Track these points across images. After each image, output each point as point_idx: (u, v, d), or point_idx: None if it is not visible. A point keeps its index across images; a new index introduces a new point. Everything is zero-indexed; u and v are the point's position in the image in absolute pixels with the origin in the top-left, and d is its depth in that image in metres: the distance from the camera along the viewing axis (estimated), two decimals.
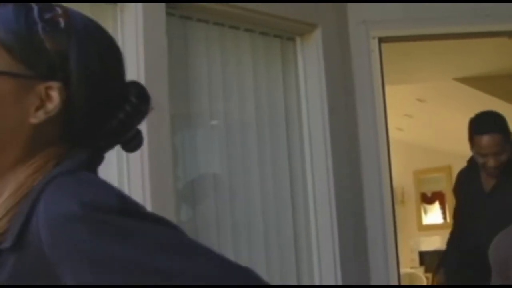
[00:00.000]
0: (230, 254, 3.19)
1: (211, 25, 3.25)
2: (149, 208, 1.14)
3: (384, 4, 3.83)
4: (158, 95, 2.78)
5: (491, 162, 3.28)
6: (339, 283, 3.40)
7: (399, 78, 5.98)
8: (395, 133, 6.87)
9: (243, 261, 3.31)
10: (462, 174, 3.68)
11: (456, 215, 3.76)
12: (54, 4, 1.03)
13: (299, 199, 3.51)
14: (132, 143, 1.11)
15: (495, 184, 3.33)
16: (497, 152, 3.27)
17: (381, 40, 3.82)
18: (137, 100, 1.08)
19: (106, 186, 0.96)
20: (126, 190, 2.44)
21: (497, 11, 3.88)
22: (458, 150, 3.44)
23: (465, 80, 6.44)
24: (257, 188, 3.33)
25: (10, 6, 1.00)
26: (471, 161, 3.50)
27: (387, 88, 3.90)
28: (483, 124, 3.36)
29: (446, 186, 9.37)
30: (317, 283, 3.45)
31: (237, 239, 3.22)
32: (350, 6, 3.81)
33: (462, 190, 3.60)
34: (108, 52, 1.06)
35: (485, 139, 3.28)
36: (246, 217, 3.30)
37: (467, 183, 3.53)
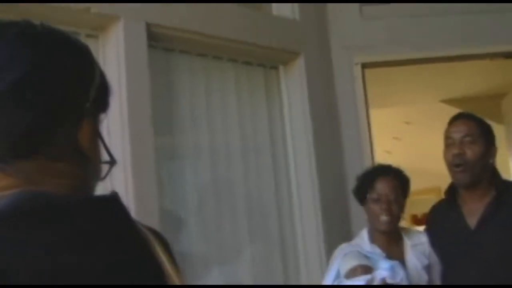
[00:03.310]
0: None
1: (194, 56, 3.26)
2: None
3: (366, 30, 3.86)
4: (142, 127, 2.78)
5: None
6: None
7: (386, 101, 6.01)
8: (383, 156, 6.88)
9: None
10: (438, 210, 3.13)
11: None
12: None
13: (286, 227, 3.50)
14: None
15: (480, 219, 2.86)
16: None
17: (364, 66, 3.84)
18: None
19: None
20: None
21: (478, 34, 3.92)
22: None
23: (451, 102, 6.48)
24: (244, 219, 3.31)
25: None
26: (449, 192, 3.04)
27: (374, 111, 3.91)
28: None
29: None
30: None
31: (224, 270, 3.21)
32: (333, 32, 3.84)
33: (440, 228, 3.02)
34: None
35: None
36: (234, 247, 3.29)
37: (446, 219, 3.00)
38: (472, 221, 2.88)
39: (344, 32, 3.85)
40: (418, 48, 3.93)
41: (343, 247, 2.87)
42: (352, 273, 2.65)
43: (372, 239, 2.88)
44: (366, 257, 2.73)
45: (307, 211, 3.49)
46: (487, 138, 2.91)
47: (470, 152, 2.85)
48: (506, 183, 2.97)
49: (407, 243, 2.93)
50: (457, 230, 2.92)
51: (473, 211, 2.89)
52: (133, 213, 2.70)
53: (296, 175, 3.54)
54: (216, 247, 3.18)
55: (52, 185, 0.98)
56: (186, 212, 3.11)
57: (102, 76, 1.09)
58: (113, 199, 1.02)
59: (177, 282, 1.07)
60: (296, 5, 3.66)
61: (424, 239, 2.98)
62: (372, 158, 3.76)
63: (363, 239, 2.91)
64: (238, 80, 3.45)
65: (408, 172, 3.06)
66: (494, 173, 2.94)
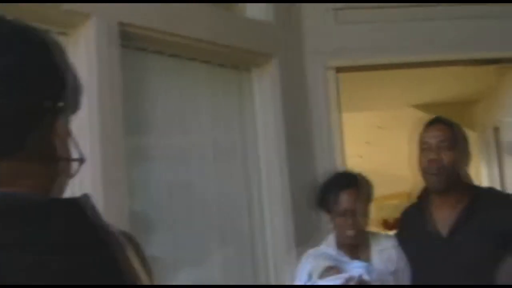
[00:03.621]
0: None
1: (166, 57, 3.22)
2: None
3: (340, 34, 3.86)
4: (113, 128, 2.74)
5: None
6: None
7: (359, 105, 6.02)
8: (355, 160, 6.90)
9: None
10: (409, 214, 3.04)
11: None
12: None
13: (257, 231, 3.48)
14: None
15: (452, 226, 2.79)
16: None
17: (337, 70, 3.84)
18: None
19: None
20: None
21: (451, 40, 3.94)
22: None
23: (422, 107, 6.51)
24: (215, 222, 3.29)
25: None
26: (421, 197, 2.95)
27: (348, 115, 3.90)
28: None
29: None
30: None
31: (193, 272, 3.18)
32: (306, 36, 3.83)
33: (411, 232, 2.93)
34: None
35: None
36: (203, 249, 3.26)
37: (417, 225, 2.92)
38: (443, 228, 2.81)
39: (318, 35, 3.85)
40: (392, 53, 3.94)
41: (311, 253, 2.83)
42: (326, 272, 2.62)
43: (339, 245, 2.85)
44: (336, 259, 2.71)
45: (277, 214, 3.47)
46: (463, 144, 2.87)
47: (446, 158, 2.79)
48: (478, 190, 2.94)
49: (373, 248, 2.88)
50: (428, 236, 2.85)
51: (445, 217, 2.83)
52: (102, 215, 2.68)
53: (267, 178, 3.52)
54: (185, 249, 3.15)
55: (22, 186, 0.96)
56: (156, 214, 3.07)
57: (74, 75, 1.06)
58: (83, 201, 1.00)
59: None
60: (270, 6, 3.64)
61: (391, 243, 2.92)
62: (344, 162, 3.75)
63: (330, 244, 2.87)
64: (210, 81, 3.43)
65: (378, 176, 3.02)
66: (467, 180, 2.90)
